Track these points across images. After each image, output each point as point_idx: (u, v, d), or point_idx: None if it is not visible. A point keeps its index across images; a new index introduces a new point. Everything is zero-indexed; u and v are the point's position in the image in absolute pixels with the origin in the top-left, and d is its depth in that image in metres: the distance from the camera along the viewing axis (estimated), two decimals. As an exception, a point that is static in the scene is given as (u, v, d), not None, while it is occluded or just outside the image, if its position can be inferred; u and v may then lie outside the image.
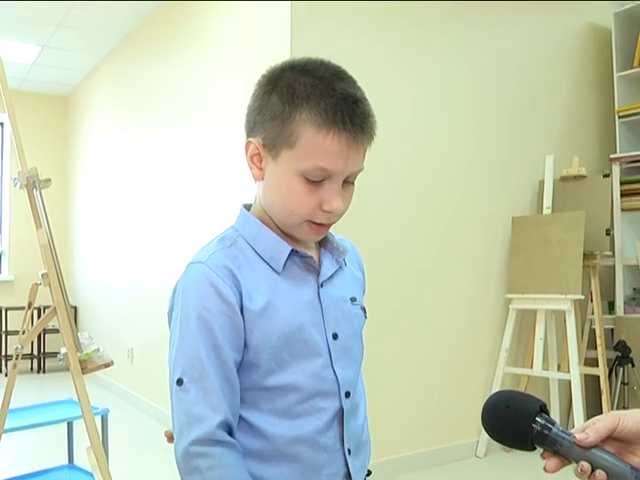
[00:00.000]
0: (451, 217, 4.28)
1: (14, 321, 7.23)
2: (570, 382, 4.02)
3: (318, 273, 1.21)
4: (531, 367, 4.28)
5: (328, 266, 1.23)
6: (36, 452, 4.45)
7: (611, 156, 4.87)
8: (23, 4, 5.39)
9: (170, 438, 1.12)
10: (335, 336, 1.19)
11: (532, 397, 0.94)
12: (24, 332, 2.89)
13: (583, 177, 4.51)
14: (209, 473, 1.05)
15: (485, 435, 4.28)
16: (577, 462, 0.88)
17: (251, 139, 1.15)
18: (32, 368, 7.80)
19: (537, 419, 0.91)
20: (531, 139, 4.72)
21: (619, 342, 4.46)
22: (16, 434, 3.33)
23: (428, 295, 4.19)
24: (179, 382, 1.09)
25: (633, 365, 4.42)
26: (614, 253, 4.69)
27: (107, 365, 2.96)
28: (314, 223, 1.14)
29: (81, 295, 7.72)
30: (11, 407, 2.89)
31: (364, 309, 1.30)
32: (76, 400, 2.87)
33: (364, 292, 1.36)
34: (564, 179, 4.59)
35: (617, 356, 4.47)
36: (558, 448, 0.89)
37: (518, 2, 4.67)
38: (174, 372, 1.11)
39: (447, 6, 4.28)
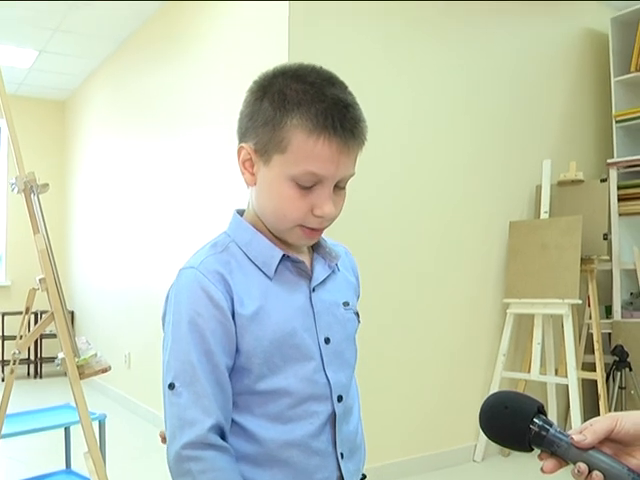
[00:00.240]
0: (449, 221, 4.29)
1: (11, 326, 7.22)
2: (567, 386, 4.02)
3: (310, 278, 1.21)
4: (529, 371, 4.28)
5: (320, 271, 1.24)
6: (33, 457, 4.44)
7: (608, 161, 4.88)
8: (20, 7, 5.39)
9: (164, 439, 1.13)
10: (327, 340, 1.19)
11: (530, 398, 0.94)
12: (21, 337, 2.88)
13: (580, 182, 4.52)
14: (201, 477, 1.05)
15: (483, 439, 4.28)
16: (574, 463, 0.88)
17: (243, 144, 1.16)
18: (29, 373, 7.78)
19: (535, 420, 0.91)
20: (529, 144, 4.73)
21: (616, 346, 4.46)
22: (14, 439, 3.33)
23: (426, 299, 4.19)
24: (171, 386, 1.11)
25: (630, 369, 4.42)
26: (611, 258, 4.69)
27: (105, 370, 2.95)
28: (306, 228, 1.15)
29: (78, 300, 7.71)
30: (8, 412, 2.88)
31: (357, 314, 1.31)
32: (73, 405, 2.87)
33: (358, 297, 1.36)
34: (561, 184, 4.59)
35: (614, 360, 4.47)
36: (555, 449, 0.89)
37: (515, 7, 4.69)
38: (166, 376, 1.12)
39: (445, 9, 4.29)
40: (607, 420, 0.89)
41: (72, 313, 7.66)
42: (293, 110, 1.08)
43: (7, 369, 2.86)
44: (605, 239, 4.32)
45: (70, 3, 5.28)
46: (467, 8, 4.39)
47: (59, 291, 2.86)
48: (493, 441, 0.96)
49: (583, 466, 0.87)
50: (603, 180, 4.48)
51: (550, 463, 0.90)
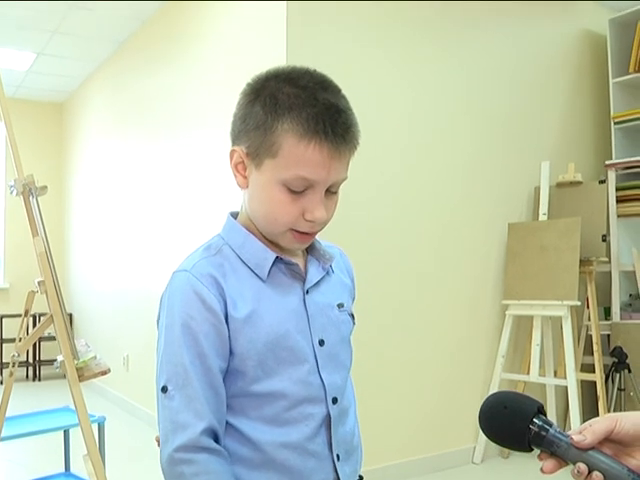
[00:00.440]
0: (448, 223, 4.29)
1: (10, 329, 7.21)
2: (567, 388, 4.02)
3: (304, 280, 1.21)
4: (528, 373, 4.28)
5: (314, 273, 1.24)
6: (32, 460, 4.43)
7: (607, 162, 4.88)
8: (19, 9, 5.39)
9: (159, 443, 1.13)
10: (321, 342, 1.19)
11: (530, 398, 0.94)
12: (20, 340, 2.88)
13: (579, 183, 4.52)
14: (194, 479, 1.06)
15: (482, 441, 4.28)
16: (574, 464, 0.88)
17: (235, 148, 1.16)
18: (27, 376, 7.78)
19: (535, 420, 0.91)
20: (527, 145, 4.74)
21: (615, 348, 4.46)
22: (13, 442, 3.33)
23: (425, 300, 4.19)
24: (164, 389, 1.11)
25: (630, 371, 4.42)
26: (610, 259, 4.69)
27: (104, 373, 2.95)
28: (297, 232, 1.15)
29: (76, 302, 7.71)
30: (7, 415, 2.88)
31: (352, 315, 1.31)
32: (72, 408, 2.87)
33: (353, 299, 1.36)
34: (560, 185, 4.60)
35: (613, 362, 4.46)
36: (555, 449, 0.89)
37: (514, 8, 4.69)
38: (159, 379, 1.12)
39: (443, 10, 4.29)
40: (607, 420, 0.89)
41: (71, 315, 7.65)
42: (284, 114, 1.08)
43: (6, 372, 2.86)
44: (604, 241, 4.32)
45: (69, 4, 5.28)
46: (465, 9, 4.40)
47: (58, 294, 2.86)
48: (493, 441, 0.96)
49: (583, 466, 0.87)
50: (602, 182, 4.48)
51: (550, 463, 0.90)
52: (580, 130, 5.16)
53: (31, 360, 7.66)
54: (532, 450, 0.92)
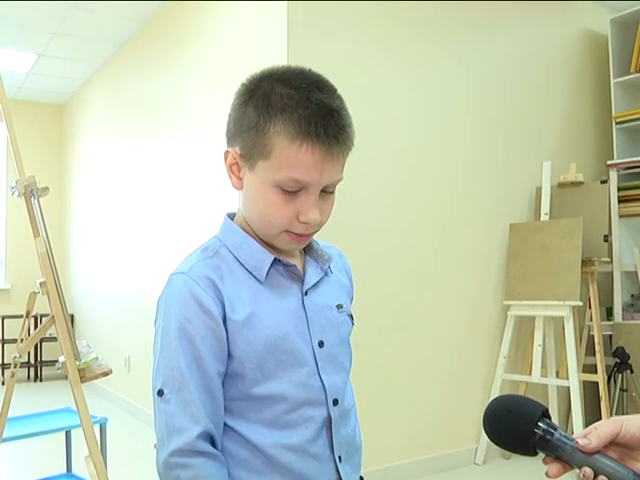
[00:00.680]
0: (448, 223, 4.28)
1: (11, 329, 7.20)
2: (569, 389, 4.02)
3: (302, 281, 1.21)
4: (530, 374, 4.28)
5: (312, 274, 1.23)
6: (34, 461, 4.43)
7: (608, 162, 4.88)
8: (19, 11, 5.39)
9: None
10: (321, 344, 1.19)
11: (534, 402, 0.93)
12: (22, 341, 2.88)
13: (580, 183, 4.52)
14: None
15: (484, 442, 4.27)
16: (579, 468, 0.87)
17: (229, 149, 1.16)
18: (29, 376, 7.78)
19: (539, 424, 0.90)
20: (528, 145, 4.73)
21: (617, 348, 4.46)
22: (14, 443, 3.32)
23: (426, 301, 4.19)
24: (160, 393, 1.10)
25: (632, 371, 4.41)
26: (612, 259, 4.69)
27: (106, 374, 2.95)
28: (292, 233, 1.14)
29: (78, 303, 7.71)
30: (9, 416, 2.88)
31: (351, 316, 1.30)
32: (74, 409, 2.86)
33: (352, 299, 1.36)
34: (561, 185, 4.59)
35: (616, 362, 4.46)
36: (560, 453, 0.89)
37: (514, 8, 4.69)
38: (155, 383, 1.12)
39: (444, 10, 4.29)
40: (612, 424, 0.89)
41: (72, 316, 7.66)
42: (277, 116, 1.07)
43: (8, 372, 2.86)
44: (605, 241, 4.32)
45: (69, 4, 5.28)
46: (465, 9, 4.39)
47: (59, 294, 2.85)
48: (497, 445, 0.95)
49: (589, 470, 0.86)
50: (603, 182, 4.47)
51: (555, 467, 0.89)
52: (581, 130, 5.16)
53: (33, 361, 7.67)
54: (537, 454, 0.92)
